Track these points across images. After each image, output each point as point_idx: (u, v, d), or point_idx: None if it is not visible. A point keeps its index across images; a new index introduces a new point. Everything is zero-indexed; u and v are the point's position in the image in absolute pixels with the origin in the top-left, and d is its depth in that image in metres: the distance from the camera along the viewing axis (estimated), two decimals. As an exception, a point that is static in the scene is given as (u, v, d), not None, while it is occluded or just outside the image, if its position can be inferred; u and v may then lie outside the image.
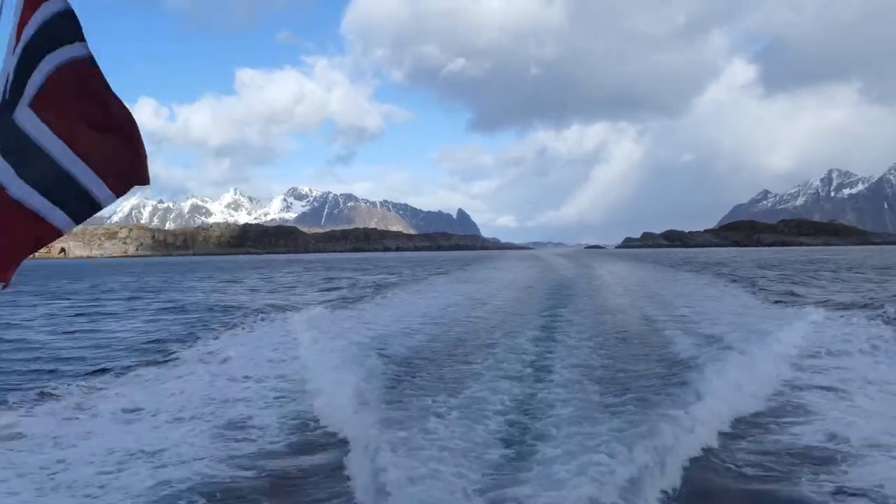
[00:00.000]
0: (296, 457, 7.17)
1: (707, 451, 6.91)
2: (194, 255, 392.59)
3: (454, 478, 5.73)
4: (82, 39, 3.25)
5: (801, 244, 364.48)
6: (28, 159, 3.15)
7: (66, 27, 3.21)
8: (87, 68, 3.26)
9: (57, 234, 3.30)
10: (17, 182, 3.14)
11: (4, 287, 3.26)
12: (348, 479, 6.34)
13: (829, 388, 9.45)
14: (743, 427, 7.82)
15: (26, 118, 3.13)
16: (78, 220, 3.34)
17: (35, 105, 3.14)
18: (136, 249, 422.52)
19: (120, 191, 3.36)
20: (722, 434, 7.46)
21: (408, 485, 5.51)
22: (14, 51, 3.19)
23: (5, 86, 3.18)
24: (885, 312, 17.03)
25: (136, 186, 3.43)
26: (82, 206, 3.31)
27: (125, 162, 3.34)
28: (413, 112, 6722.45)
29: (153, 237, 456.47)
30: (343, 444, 7.38)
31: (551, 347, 13.28)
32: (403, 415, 7.84)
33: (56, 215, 3.27)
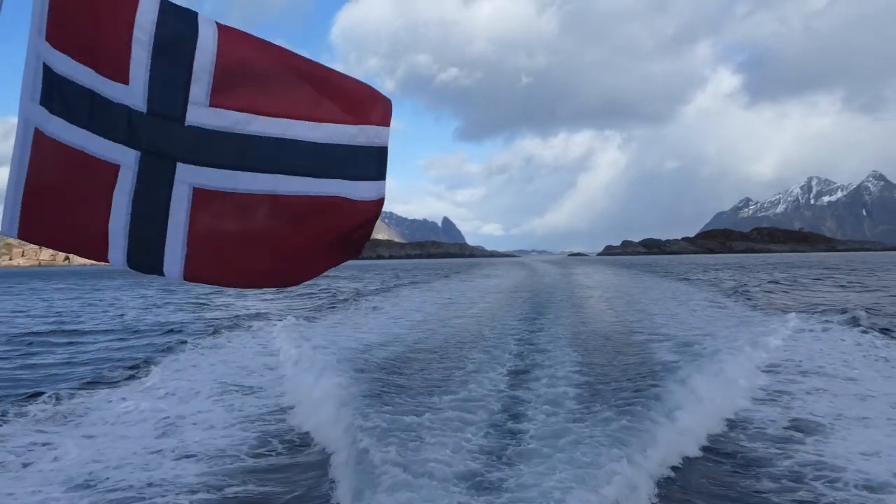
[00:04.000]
0: (277, 466, 6.93)
1: (686, 461, 6.75)
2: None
3: (436, 486, 5.63)
4: (196, 13, 2.98)
5: (769, 251, 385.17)
6: (269, 151, 2.92)
7: (181, 14, 2.97)
8: (234, 37, 2.99)
9: (366, 209, 2.97)
10: (286, 180, 2.94)
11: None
12: (333, 485, 6.22)
13: (804, 394, 9.41)
14: (721, 437, 7.58)
15: (214, 116, 2.92)
16: (379, 178, 2.99)
17: (215, 101, 2.93)
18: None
19: (384, 121, 3.00)
20: (701, 443, 7.27)
21: (392, 490, 5.43)
22: (149, 62, 2.91)
23: (157, 99, 2.93)
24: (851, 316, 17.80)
25: None
26: (373, 164, 2.99)
27: (365, 96, 3.01)
28: (401, 121, 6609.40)
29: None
30: (327, 450, 7.23)
31: (534, 341, 14.30)
32: (390, 419, 7.69)
33: (348, 187, 2.96)
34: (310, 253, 3.11)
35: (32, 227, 3.13)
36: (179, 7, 2.99)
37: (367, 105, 3.00)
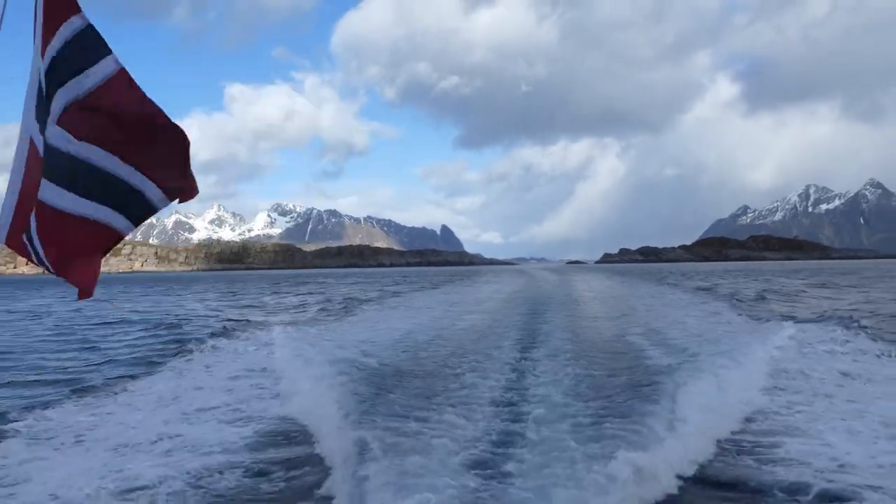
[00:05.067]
0: (274, 472, 6.88)
1: (686, 462, 6.65)
2: (197, 270, 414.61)
3: (435, 489, 5.56)
4: (110, 53, 3.18)
5: (764, 259, 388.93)
6: (74, 172, 3.11)
7: (91, 46, 3.15)
8: (123, 84, 3.19)
9: (118, 236, 3.31)
10: (66, 196, 3.12)
11: (85, 298, 3.30)
12: (331, 490, 6.16)
13: (801, 404, 9.05)
14: (717, 447, 7.37)
15: (58, 136, 3.07)
16: (135, 223, 3.32)
17: (65, 121, 3.09)
18: (142, 265, 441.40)
19: (171, 196, 3.35)
20: (698, 453, 7.06)
21: (390, 494, 5.39)
22: (42, 72, 3.13)
23: (37, 106, 3.17)
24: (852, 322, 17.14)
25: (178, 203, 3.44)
26: (138, 209, 3.30)
27: (174, 169, 3.31)
28: (401, 129, 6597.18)
29: (156, 253, 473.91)
30: (324, 457, 7.19)
31: (534, 344, 14.60)
32: (389, 422, 7.67)
33: (114, 218, 3.25)
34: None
35: (14, 234, 3.23)
36: (100, 40, 3.19)
37: (181, 184, 3.38)
